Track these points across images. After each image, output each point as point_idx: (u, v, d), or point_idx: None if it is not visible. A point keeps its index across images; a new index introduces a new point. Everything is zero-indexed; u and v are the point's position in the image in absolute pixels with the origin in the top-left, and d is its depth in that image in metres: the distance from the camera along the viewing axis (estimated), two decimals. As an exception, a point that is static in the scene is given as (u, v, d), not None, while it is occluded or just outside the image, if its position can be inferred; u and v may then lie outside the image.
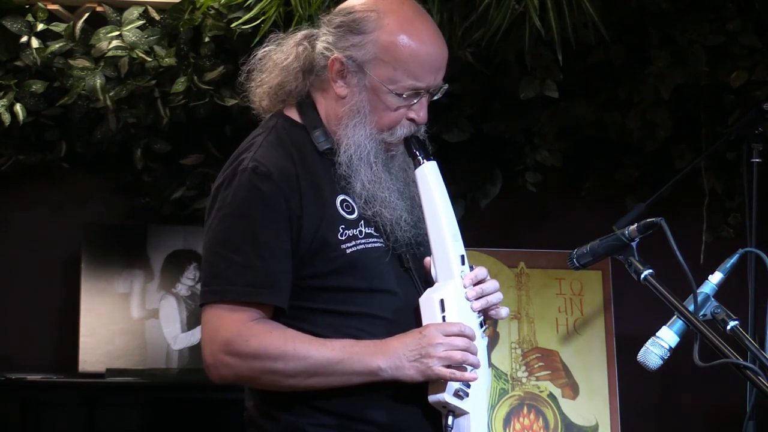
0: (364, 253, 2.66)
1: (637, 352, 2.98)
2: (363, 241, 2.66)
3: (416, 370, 2.56)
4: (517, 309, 4.93)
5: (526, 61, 4.30)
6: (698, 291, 2.91)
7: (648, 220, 2.78)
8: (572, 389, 4.90)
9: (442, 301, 2.62)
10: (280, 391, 2.62)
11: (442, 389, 2.59)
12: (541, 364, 4.91)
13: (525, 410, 4.86)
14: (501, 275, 4.92)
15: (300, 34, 2.76)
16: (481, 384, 2.64)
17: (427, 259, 2.71)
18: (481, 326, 2.68)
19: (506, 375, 4.87)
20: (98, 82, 4.47)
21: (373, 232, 2.68)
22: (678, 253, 2.72)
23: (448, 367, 2.57)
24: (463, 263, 2.69)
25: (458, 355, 2.57)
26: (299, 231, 2.60)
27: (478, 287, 2.67)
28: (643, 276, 2.77)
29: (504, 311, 2.72)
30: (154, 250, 4.87)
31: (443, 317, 2.61)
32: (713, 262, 3.14)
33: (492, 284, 2.70)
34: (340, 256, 2.63)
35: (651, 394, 5.18)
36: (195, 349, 4.79)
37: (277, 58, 2.75)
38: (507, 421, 4.83)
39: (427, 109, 2.74)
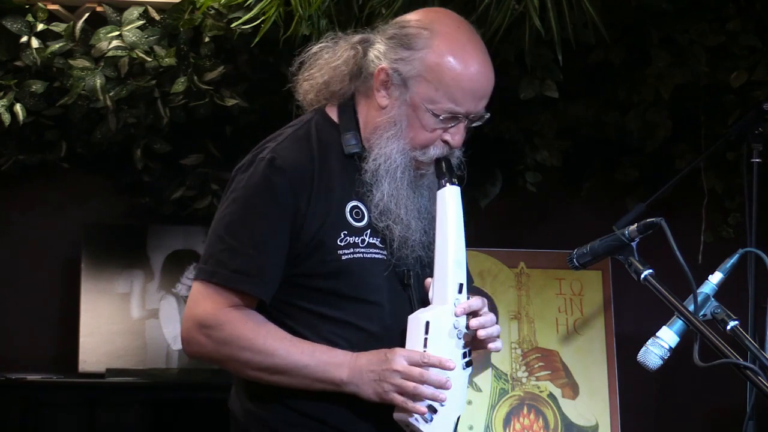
0: (360, 262, 2.67)
1: (637, 352, 2.98)
2: (362, 250, 2.67)
3: (373, 390, 2.60)
4: (517, 309, 4.93)
5: (526, 61, 4.30)
6: (698, 291, 2.91)
7: (648, 220, 2.78)
8: (572, 389, 4.90)
9: (427, 323, 2.63)
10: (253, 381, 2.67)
11: (406, 411, 2.61)
12: (541, 364, 4.91)
13: (525, 410, 4.86)
14: (501, 275, 4.92)
15: (357, 37, 2.78)
16: (450, 411, 2.65)
17: (428, 279, 2.73)
18: (465, 357, 2.69)
19: (506, 375, 4.87)
20: (98, 82, 4.47)
21: (378, 243, 2.69)
22: (678, 253, 2.72)
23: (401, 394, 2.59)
24: (460, 291, 2.70)
25: (410, 386, 2.58)
26: (300, 229, 2.63)
27: (476, 321, 2.68)
28: (643, 276, 2.77)
29: (498, 344, 2.74)
30: (154, 250, 4.87)
31: (425, 339, 2.62)
32: (713, 262, 3.14)
33: (489, 318, 2.72)
34: (333, 261, 2.64)
35: (651, 394, 5.18)
36: (195, 349, 4.78)
37: (328, 57, 2.77)
38: (507, 421, 4.84)
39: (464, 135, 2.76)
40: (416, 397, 2.58)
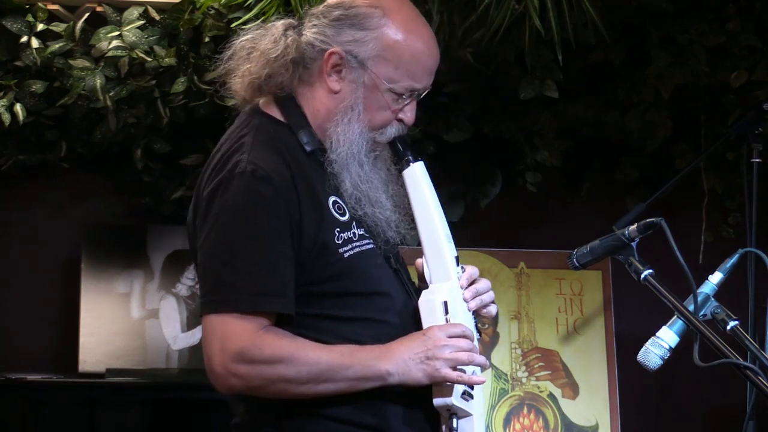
0: (361, 256, 2.61)
1: (637, 352, 2.98)
2: (358, 243, 2.61)
3: (423, 372, 2.53)
4: (517, 309, 4.93)
5: (526, 61, 4.30)
6: (698, 291, 2.92)
7: (648, 220, 2.78)
8: (572, 389, 4.90)
9: (445, 303, 2.59)
10: (284, 398, 2.58)
11: (449, 393, 2.57)
12: (541, 364, 4.91)
13: (525, 410, 4.86)
14: (501, 275, 4.92)
15: (280, 24, 2.69)
16: (482, 386, 2.62)
17: (419, 260, 2.69)
18: (476, 326, 2.67)
19: (506, 375, 4.87)
20: (98, 82, 4.47)
21: (364, 233, 2.63)
22: (678, 253, 2.72)
23: (454, 369, 2.54)
24: (457, 264, 2.66)
25: (465, 356, 2.54)
26: (300, 237, 2.54)
27: (473, 288, 2.66)
28: (643, 276, 2.77)
29: (494, 308, 2.69)
30: (154, 250, 4.87)
31: (446, 319, 2.59)
32: (713, 262, 3.14)
33: (485, 283, 2.69)
34: (338, 261, 2.58)
35: (651, 394, 5.18)
36: (195, 349, 4.79)
37: (264, 48, 2.65)
38: (507, 421, 4.83)
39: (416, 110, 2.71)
40: (471, 364, 2.54)
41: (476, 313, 2.67)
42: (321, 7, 2.69)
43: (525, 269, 4.97)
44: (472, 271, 2.68)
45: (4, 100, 4.49)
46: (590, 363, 4.91)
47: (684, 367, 3.08)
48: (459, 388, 2.57)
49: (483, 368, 2.60)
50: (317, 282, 2.57)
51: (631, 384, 4.88)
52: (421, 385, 2.55)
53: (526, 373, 4.89)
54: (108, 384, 4.61)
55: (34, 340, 4.88)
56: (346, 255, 2.59)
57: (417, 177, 2.67)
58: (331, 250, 2.58)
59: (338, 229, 2.59)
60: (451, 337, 2.55)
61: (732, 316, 2.90)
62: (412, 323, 2.63)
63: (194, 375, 4.69)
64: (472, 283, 2.67)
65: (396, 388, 2.56)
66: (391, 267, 2.68)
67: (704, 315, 2.91)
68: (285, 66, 2.64)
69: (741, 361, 2.68)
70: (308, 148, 2.62)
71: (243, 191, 2.52)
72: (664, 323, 2.99)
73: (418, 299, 2.65)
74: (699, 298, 2.88)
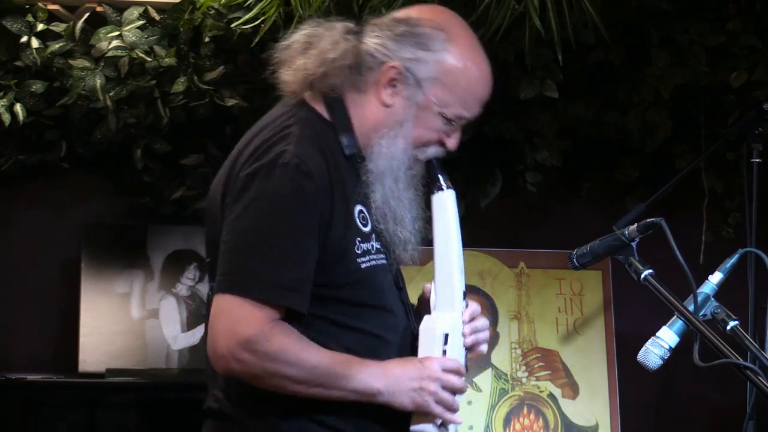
0: (376, 269, 2.62)
1: (637, 352, 2.98)
2: (374, 256, 2.62)
3: (411, 399, 2.56)
4: (517, 309, 4.93)
5: (526, 61, 4.30)
6: (698, 291, 2.91)
7: (648, 220, 2.78)
8: (572, 389, 4.90)
9: (446, 335, 2.61)
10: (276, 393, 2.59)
11: (429, 420, 2.60)
12: (541, 364, 4.91)
13: (525, 410, 4.86)
14: (501, 275, 4.92)
15: (341, 26, 2.68)
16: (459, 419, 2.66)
17: (427, 285, 2.70)
18: (465, 362, 2.69)
19: (506, 375, 4.87)
20: (98, 82, 4.47)
21: (380, 247, 2.64)
22: (678, 253, 2.72)
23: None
24: (463, 298, 2.68)
25: (450, 398, 2.58)
26: (326, 238, 2.54)
27: (473, 324, 2.67)
28: (643, 276, 2.77)
29: (485, 348, 2.72)
30: (154, 250, 4.87)
31: (444, 351, 2.61)
32: (713, 262, 3.14)
33: (484, 322, 2.71)
34: (356, 270, 2.59)
35: (651, 395, 5.18)
36: (195, 349, 4.79)
37: (322, 47, 2.64)
38: (507, 421, 4.83)
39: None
40: (453, 406, 2.59)
41: (468, 349, 2.69)
42: (386, 19, 2.69)
43: (525, 269, 4.97)
44: (474, 307, 2.70)
45: (4, 100, 4.49)
46: (590, 363, 4.91)
47: (684, 367, 3.08)
48: (438, 421, 2.60)
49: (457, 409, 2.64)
50: (331, 286, 2.58)
51: (631, 384, 4.88)
52: (405, 410, 2.58)
53: (526, 373, 4.89)
54: (108, 384, 4.61)
55: (34, 340, 4.88)
56: (363, 266, 2.60)
57: (446, 205, 2.68)
58: (351, 258, 2.58)
59: (359, 239, 2.60)
60: (446, 371, 2.58)
61: (732, 316, 2.90)
62: (408, 345, 2.65)
63: (194, 375, 4.69)
64: (472, 319, 2.69)
65: (379, 407, 2.58)
66: (397, 285, 2.69)
67: (704, 315, 2.91)
68: (341, 69, 2.63)
69: (741, 361, 2.68)
70: (347, 152, 2.62)
71: (285, 182, 2.51)
72: (664, 323, 2.99)
73: (416, 321, 2.67)
74: (699, 298, 2.88)
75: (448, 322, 2.63)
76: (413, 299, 2.77)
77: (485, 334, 2.70)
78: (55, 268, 4.94)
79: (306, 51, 2.66)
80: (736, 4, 4.61)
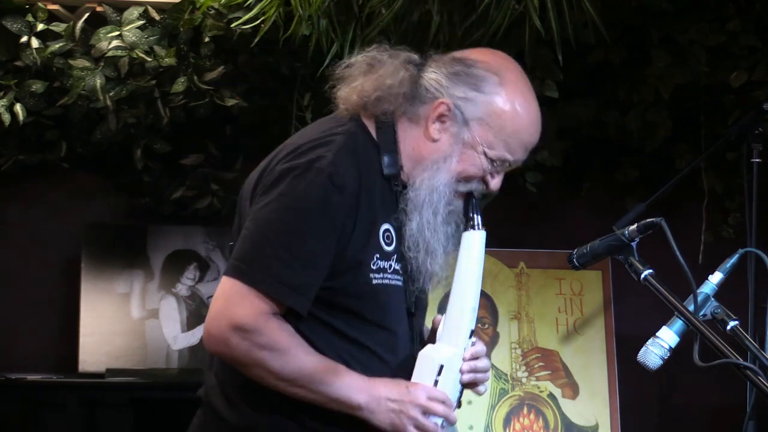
0: (386, 288, 2.67)
1: (637, 352, 2.98)
2: (389, 276, 2.67)
3: (390, 420, 2.60)
4: (517, 309, 4.93)
5: (526, 61, 4.30)
6: (698, 291, 2.91)
7: (648, 220, 2.78)
8: (572, 389, 4.90)
9: (441, 366, 2.65)
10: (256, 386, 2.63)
11: None
12: (541, 364, 4.91)
13: (525, 410, 4.86)
14: (501, 275, 4.92)
15: (404, 55, 2.75)
16: None
17: (438, 316, 2.74)
18: (459, 398, 2.71)
19: (506, 375, 4.87)
20: (98, 82, 4.47)
21: (400, 269, 2.69)
22: (678, 253, 2.72)
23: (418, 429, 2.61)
24: (470, 336, 2.71)
25: (431, 426, 2.60)
26: (345, 248, 2.60)
27: (473, 363, 2.70)
28: (643, 276, 2.77)
29: (483, 389, 2.76)
30: (154, 250, 4.87)
31: (436, 381, 2.64)
32: (713, 262, 3.14)
33: (485, 363, 2.74)
34: (365, 283, 2.63)
35: (651, 394, 5.18)
36: (195, 349, 4.79)
37: (384, 72, 2.72)
38: (507, 421, 4.83)
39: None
40: None
41: (466, 386, 2.72)
42: (446, 57, 2.76)
43: (525, 269, 4.97)
44: (480, 348, 2.73)
45: (4, 100, 4.49)
46: (590, 363, 4.91)
47: (684, 367, 3.07)
48: None
49: None
50: (338, 292, 2.62)
51: (631, 384, 4.88)
52: (382, 429, 2.60)
53: (526, 373, 4.89)
54: (108, 384, 4.61)
55: (34, 340, 4.88)
56: (374, 281, 2.64)
57: (473, 244, 2.74)
58: (364, 271, 2.63)
59: (378, 255, 2.65)
60: (430, 399, 2.61)
61: (732, 316, 2.90)
62: (406, 369, 2.68)
63: (194, 375, 4.69)
64: (474, 358, 2.71)
65: (364, 423, 2.61)
66: (409, 311, 2.73)
67: (704, 315, 2.91)
68: (396, 96, 2.71)
69: (741, 361, 2.68)
70: (386, 172, 2.69)
71: (315, 187, 2.58)
72: (664, 323, 2.99)
73: (419, 348, 2.70)
74: (699, 298, 2.88)
75: (447, 354, 2.67)
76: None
77: (485, 375, 2.74)
78: (55, 268, 4.94)
79: (367, 73, 2.74)
80: (736, 4, 4.61)
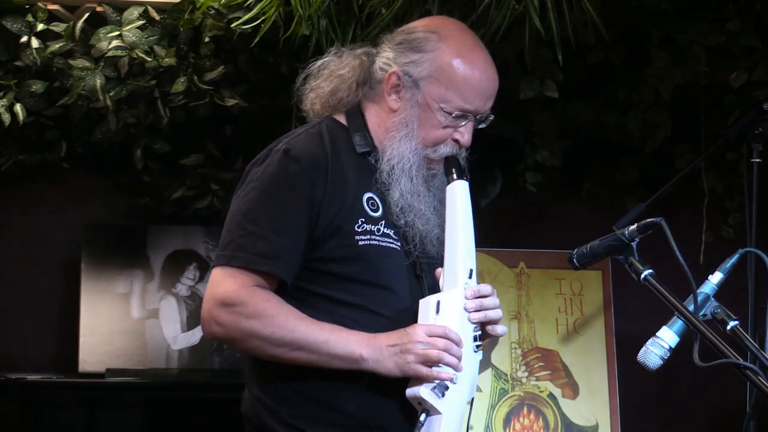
0: (376, 248, 2.75)
1: (637, 352, 2.98)
2: (378, 238, 2.76)
3: (394, 363, 2.64)
4: (517, 309, 4.93)
5: (526, 61, 4.30)
6: (698, 291, 2.91)
7: (648, 220, 2.78)
8: (572, 389, 4.90)
9: (438, 302, 2.69)
10: (275, 378, 2.70)
11: (419, 384, 2.66)
12: (541, 364, 4.91)
13: (525, 410, 4.86)
14: (501, 275, 4.92)
15: (360, 50, 2.90)
16: (462, 393, 2.70)
17: (438, 270, 2.79)
18: (476, 340, 2.73)
19: (506, 375, 4.87)
20: (98, 82, 4.47)
21: (392, 234, 2.78)
22: (678, 253, 2.72)
23: (426, 365, 2.64)
24: (470, 276, 2.76)
25: (434, 353, 2.64)
26: (318, 214, 2.71)
27: (477, 300, 2.74)
28: (643, 276, 2.77)
29: (501, 329, 2.79)
30: (154, 250, 4.87)
31: (435, 318, 2.68)
32: (713, 262, 3.14)
33: (493, 300, 2.78)
34: (350, 245, 2.72)
35: (651, 394, 5.18)
36: (195, 349, 4.79)
37: (334, 67, 2.87)
38: (507, 421, 4.83)
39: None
40: (442, 361, 2.64)
41: (483, 330, 2.76)
42: (391, 34, 2.91)
43: (525, 269, 4.97)
44: (484, 287, 2.78)
45: (4, 100, 4.49)
46: (590, 363, 4.91)
47: (684, 367, 3.07)
48: (430, 383, 2.65)
49: (456, 371, 2.67)
50: (326, 260, 2.72)
51: (631, 384, 4.88)
52: (391, 375, 2.65)
53: (526, 373, 4.89)
54: (108, 384, 4.61)
55: (34, 340, 4.88)
56: (360, 243, 2.74)
57: (455, 194, 2.80)
58: (347, 233, 2.73)
59: (363, 220, 2.75)
60: (430, 335, 2.65)
61: (732, 316, 2.90)
62: (407, 323, 2.71)
63: (194, 375, 4.69)
64: (481, 297, 2.75)
65: (373, 377, 2.66)
66: (415, 273, 2.79)
67: (704, 315, 2.90)
68: (350, 84, 2.86)
69: (741, 361, 2.68)
70: (359, 150, 2.82)
71: (273, 165, 2.74)
72: (664, 323, 2.99)
73: None
74: (699, 298, 2.88)
75: (443, 294, 2.72)
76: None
77: (496, 312, 2.77)
78: (55, 268, 4.94)
79: (321, 72, 2.90)
80: (736, 4, 4.61)
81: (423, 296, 2.76)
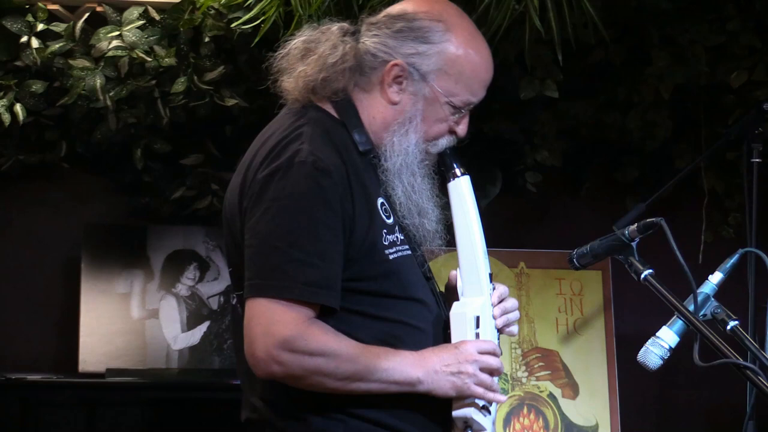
0: (403, 260, 2.64)
1: (637, 352, 2.98)
2: (400, 248, 2.64)
3: (452, 384, 2.57)
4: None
5: (526, 61, 4.30)
6: (698, 291, 2.91)
7: (648, 220, 2.78)
8: (572, 389, 4.90)
9: (477, 318, 2.64)
10: (313, 392, 2.58)
11: (470, 405, 2.61)
12: (541, 364, 4.91)
13: (525, 410, 4.86)
14: (501, 275, 4.92)
15: (336, 28, 2.71)
16: (495, 405, 2.67)
17: (453, 272, 2.73)
18: (498, 343, 2.71)
19: (506, 375, 4.87)
20: (98, 82, 4.47)
21: (404, 238, 2.67)
22: (678, 253, 2.72)
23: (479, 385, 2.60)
24: (490, 281, 2.72)
25: (489, 379, 2.59)
26: (351, 232, 2.55)
27: (502, 305, 2.71)
28: (643, 276, 2.77)
29: (516, 329, 2.76)
30: (154, 250, 4.87)
31: (476, 334, 2.63)
32: (713, 262, 3.14)
33: (513, 303, 2.75)
34: (383, 262, 2.60)
35: (651, 394, 5.18)
36: (195, 349, 4.79)
37: (321, 52, 2.67)
38: (507, 421, 4.83)
39: None
40: (492, 387, 2.60)
41: (500, 331, 2.72)
42: (381, 17, 2.71)
43: (525, 269, 4.97)
44: (502, 289, 2.74)
45: (4, 100, 4.49)
46: (590, 363, 4.91)
47: (684, 367, 3.07)
48: (479, 403, 2.61)
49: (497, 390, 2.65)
50: (361, 279, 2.58)
51: (631, 384, 4.88)
52: (446, 396, 2.59)
53: (526, 373, 4.89)
54: (108, 384, 4.61)
55: (34, 340, 4.88)
56: (390, 257, 2.61)
57: (462, 191, 2.72)
58: (379, 250, 2.60)
59: (385, 231, 2.62)
60: (481, 353, 2.59)
61: (732, 316, 2.90)
62: (441, 333, 2.66)
63: (194, 375, 4.69)
64: (501, 301, 2.72)
65: (418, 395, 2.58)
66: (425, 275, 2.71)
67: (704, 315, 2.90)
68: (342, 72, 2.66)
69: (741, 361, 2.68)
70: (362, 148, 2.65)
71: (303, 180, 2.52)
72: (664, 323, 2.99)
73: (447, 309, 2.68)
74: (699, 298, 2.88)
75: (477, 305, 2.66)
76: (440, 287, 2.80)
77: (515, 315, 2.74)
78: (55, 268, 4.94)
79: (305, 57, 2.69)
80: (736, 4, 4.61)
81: (435, 299, 2.69)
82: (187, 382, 4.70)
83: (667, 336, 2.97)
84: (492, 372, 2.60)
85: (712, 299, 2.95)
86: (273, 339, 2.49)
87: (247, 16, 4.08)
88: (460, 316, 2.64)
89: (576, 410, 4.87)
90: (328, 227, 2.52)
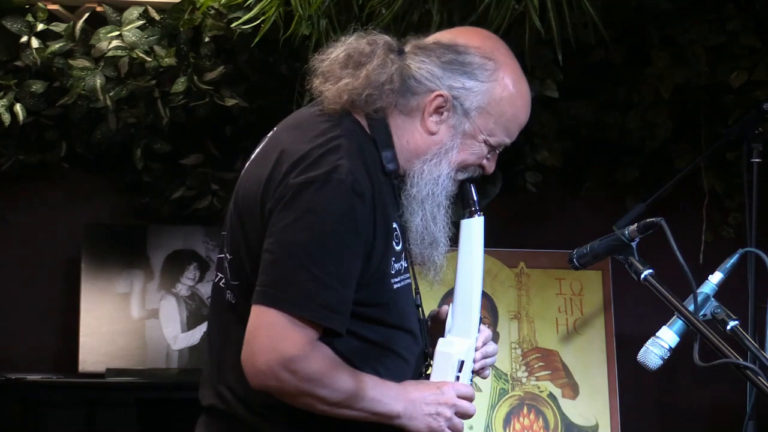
0: (403, 289, 2.63)
1: (637, 352, 2.98)
2: (403, 277, 2.62)
3: (427, 425, 2.58)
4: (517, 309, 4.93)
5: (526, 61, 4.30)
6: (698, 291, 2.91)
7: (648, 220, 2.78)
8: (572, 389, 4.90)
9: (461, 362, 2.65)
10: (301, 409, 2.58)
11: None
12: (541, 364, 4.91)
13: (525, 410, 4.86)
14: (501, 275, 4.92)
15: (383, 42, 2.65)
16: None
17: (445, 307, 2.72)
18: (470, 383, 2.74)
19: (506, 375, 4.87)
20: (98, 82, 4.47)
21: (407, 266, 2.64)
22: (678, 253, 2.71)
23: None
24: (479, 323, 2.71)
25: (461, 424, 2.61)
26: (369, 257, 2.53)
27: (483, 350, 2.72)
28: (643, 276, 2.77)
29: (488, 372, 2.77)
30: (154, 250, 4.87)
31: (457, 377, 2.64)
32: (713, 262, 3.14)
33: (494, 348, 2.75)
34: (388, 291, 2.58)
35: (651, 394, 5.18)
36: (195, 349, 4.79)
37: (372, 68, 2.60)
38: (507, 421, 4.83)
39: None
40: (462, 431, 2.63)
41: (476, 373, 2.74)
42: (431, 43, 2.66)
43: (525, 269, 4.97)
44: (487, 333, 2.73)
45: (4, 100, 4.49)
46: (590, 363, 4.91)
47: (684, 367, 3.08)
48: None
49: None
50: (364, 305, 2.56)
51: (631, 384, 4.88)
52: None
53: (526, 373, 4.89)
54: (108, 384, 4.61)
55: (34, 340, 4.88)
56: (395, 287, 2.60)
57: (474, 231, 2.70)
58: (387, 277, 2.58)
59: (394, 259, 2.59)
60: (460, 397, 2.61)
61: (732, 316, 2.90)
62: (421, 365, 2.68)
63: (194, 375, 4.68)
64: (484, 344, 2.73)
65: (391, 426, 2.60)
66: (416, 304, 2.70)
67: (704, 315, 2.90)
68: (386, 93, 2.61)
69: (741, 361, 2.68)
70: (389, 168, 2.61)
71: (339, 200, 2.48)
72: (664, 323, 2.99)
73: (428, 340, 2.69)
74: (699, 298, 2.88)
75: (464, 348, 2.66)
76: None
77: (493, 360, 2.75)
78: (55, 268, 4.94)
79: (347, 65, 2.64)
80: (736, 4, 4.61)
81: (422, 330, 2.68)
82: (187, 382, 4.69)
83: (667, 336, 2.97)
84: (464, 416, 2.62)
85: (712, 299, 2.95)
86: (278, 355, 2.47)
87: (247, 16, 4.08)
88: (445, 356, 2.64)
89: (576, 410, 4.87)
90: (353, 253, 2.49)
